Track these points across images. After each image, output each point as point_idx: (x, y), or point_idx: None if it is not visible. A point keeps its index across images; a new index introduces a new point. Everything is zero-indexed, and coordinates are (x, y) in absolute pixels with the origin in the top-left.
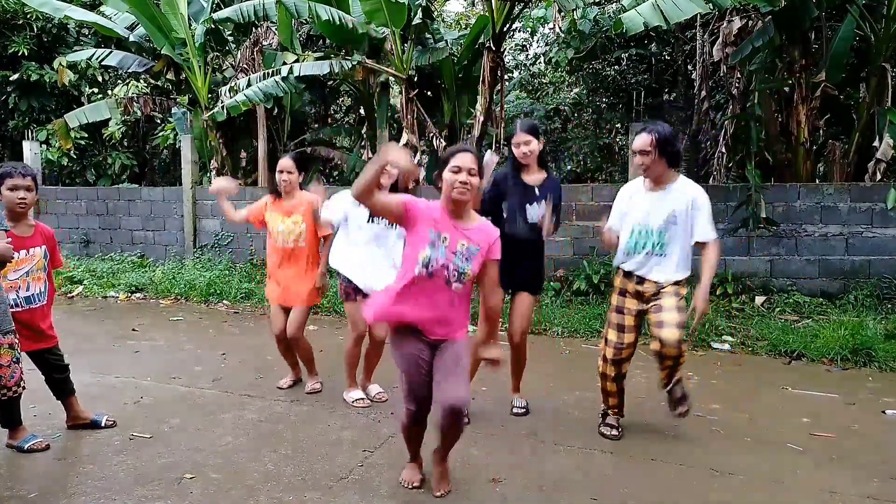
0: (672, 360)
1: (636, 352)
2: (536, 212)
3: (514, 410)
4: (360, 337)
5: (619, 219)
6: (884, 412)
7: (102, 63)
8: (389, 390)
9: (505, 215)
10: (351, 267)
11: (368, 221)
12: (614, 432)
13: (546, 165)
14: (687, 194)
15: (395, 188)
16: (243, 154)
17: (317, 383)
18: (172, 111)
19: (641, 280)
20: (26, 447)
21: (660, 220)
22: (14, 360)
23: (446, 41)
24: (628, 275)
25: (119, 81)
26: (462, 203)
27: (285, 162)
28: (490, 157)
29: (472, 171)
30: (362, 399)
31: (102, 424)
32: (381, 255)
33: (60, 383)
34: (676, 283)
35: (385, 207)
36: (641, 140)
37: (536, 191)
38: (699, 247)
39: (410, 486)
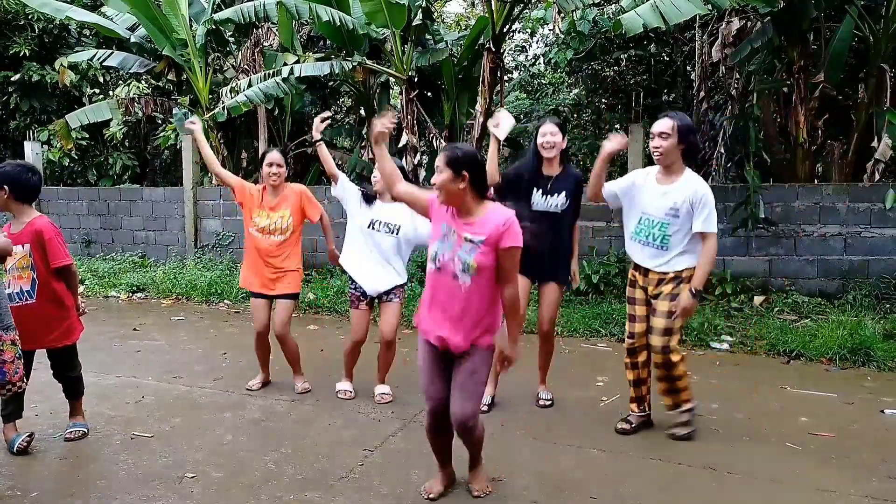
0: (662, 370)
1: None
2: (542, 200)
3: (541, 402)
4: (357, 343)
5: (619, 186)
6: (882, 412)
7: (104, 64)
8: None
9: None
10: (357, 270)
11: (368, 227)
12: (625, 426)
13: (567, 163)
14: (688, 188)
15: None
16: (244, 154)
17: (305, 383)
18: (173, 112)
19: (646, 271)
20: (15, 448)
21: (661, 213)
22: (17, 356)
23: (446, 42)
24: (636, 265)
25: (120, 82)
26: (451, 204)
27: (275, 155)
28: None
29: (439, 168)
30: (347, 391)
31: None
32: (381, 259)
33: (64, 382)
34: (678, 276)
35: (414, 200)
36: (663, 123)
37: (550, 181)
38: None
39: (426, 496)
